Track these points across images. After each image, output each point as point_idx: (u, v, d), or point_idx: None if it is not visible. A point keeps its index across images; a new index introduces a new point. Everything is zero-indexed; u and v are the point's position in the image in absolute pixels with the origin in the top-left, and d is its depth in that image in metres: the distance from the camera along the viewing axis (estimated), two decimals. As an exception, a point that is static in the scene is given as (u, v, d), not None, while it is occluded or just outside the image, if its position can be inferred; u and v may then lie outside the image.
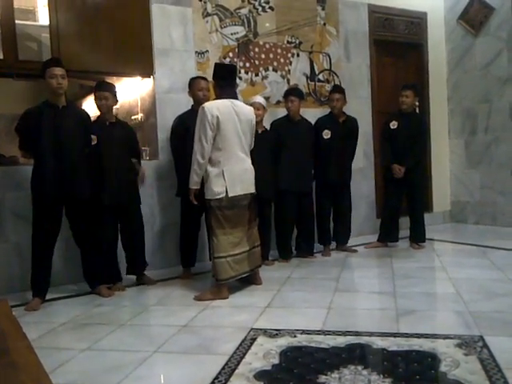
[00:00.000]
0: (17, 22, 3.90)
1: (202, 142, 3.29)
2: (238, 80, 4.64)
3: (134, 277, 3.93)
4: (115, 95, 3.71)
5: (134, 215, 3.81)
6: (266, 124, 4.45)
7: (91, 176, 3.52)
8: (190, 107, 3.99)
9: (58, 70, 3.29)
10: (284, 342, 2.48)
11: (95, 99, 3.66)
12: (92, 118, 3.70)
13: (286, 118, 4.48)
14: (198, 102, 3.80)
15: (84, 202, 3.48)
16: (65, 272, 3.91)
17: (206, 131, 3.28)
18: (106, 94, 3.62)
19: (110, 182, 3.61)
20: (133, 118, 4.72)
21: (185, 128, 3.79)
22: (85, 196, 3.46)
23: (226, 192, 3.31)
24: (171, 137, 4.02)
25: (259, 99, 4.27)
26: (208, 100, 3.76)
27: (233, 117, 3.37)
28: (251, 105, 3.92)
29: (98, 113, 3.73)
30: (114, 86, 3.74)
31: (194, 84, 3.93)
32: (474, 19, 5.91)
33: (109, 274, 3.71)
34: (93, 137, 3.57)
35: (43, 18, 4.28)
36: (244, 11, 4.82)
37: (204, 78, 4.00)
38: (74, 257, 3.74)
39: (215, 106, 3.33)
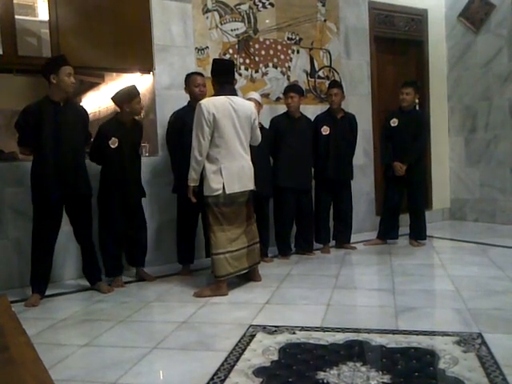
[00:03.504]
0: (16, 17, 3.88)
1: (199, 139, 3.29)
2: (238, 76, 4.63)
3: (133, 273, 3.93)
4: None
5: (140, 209, 3.86)
6: (265, 120, 4.44)
7: (108, 175, 3.63)
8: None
9: (71, 69, 3.31)
10: (283, 338, 2.48)
11: (136, 104, 3.65)
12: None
13: (286, 115, 4.47)
14: (194, 98, 3.79)
15: (84, 199, 3.48)
16: (64, 268, 3.91)
17: (202, 128, 3.27)
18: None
19: (131, 180, 3.69)
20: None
21: (181, 124, 3.78)
22: (84, 192, 3.46)
23: (224, 189, 3.32)
24: (167, 133, 4.01)
25: (254, 95, 4.24)
26: (205, 96, 3.76)
27: (230, 114, 3.36)
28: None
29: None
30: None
31: (190, 80, 3.91)
32: (474, 16, 5.90)
33: (113, 266, 3.72)
34: (114, 139, 3.58)
35: (43, 13, 4.26)
36: (244, 7, 4.80)
37: (200, 74, 3.98)
38: (74, 253, 3.75)
39: (212, 103, 3.32)
